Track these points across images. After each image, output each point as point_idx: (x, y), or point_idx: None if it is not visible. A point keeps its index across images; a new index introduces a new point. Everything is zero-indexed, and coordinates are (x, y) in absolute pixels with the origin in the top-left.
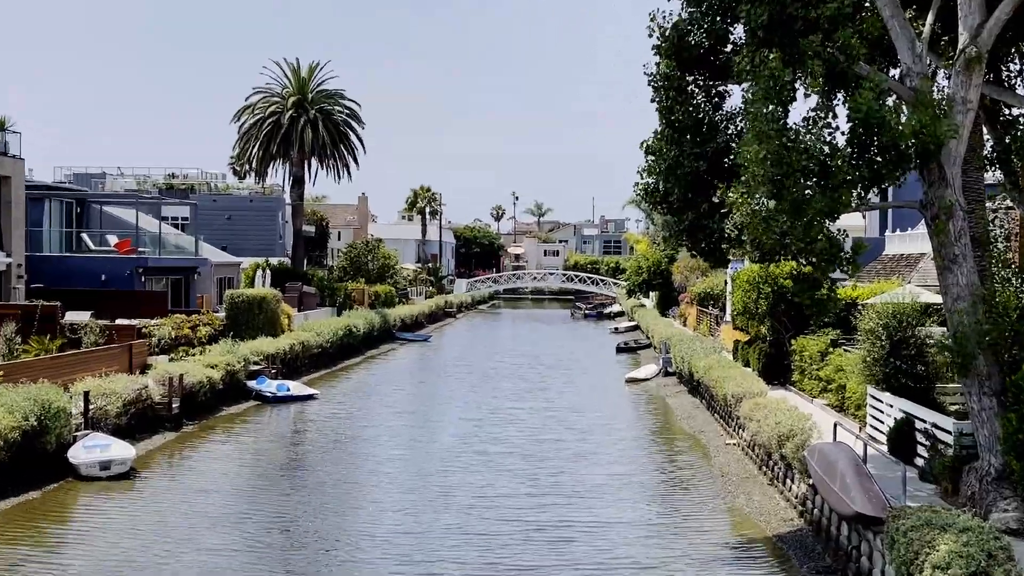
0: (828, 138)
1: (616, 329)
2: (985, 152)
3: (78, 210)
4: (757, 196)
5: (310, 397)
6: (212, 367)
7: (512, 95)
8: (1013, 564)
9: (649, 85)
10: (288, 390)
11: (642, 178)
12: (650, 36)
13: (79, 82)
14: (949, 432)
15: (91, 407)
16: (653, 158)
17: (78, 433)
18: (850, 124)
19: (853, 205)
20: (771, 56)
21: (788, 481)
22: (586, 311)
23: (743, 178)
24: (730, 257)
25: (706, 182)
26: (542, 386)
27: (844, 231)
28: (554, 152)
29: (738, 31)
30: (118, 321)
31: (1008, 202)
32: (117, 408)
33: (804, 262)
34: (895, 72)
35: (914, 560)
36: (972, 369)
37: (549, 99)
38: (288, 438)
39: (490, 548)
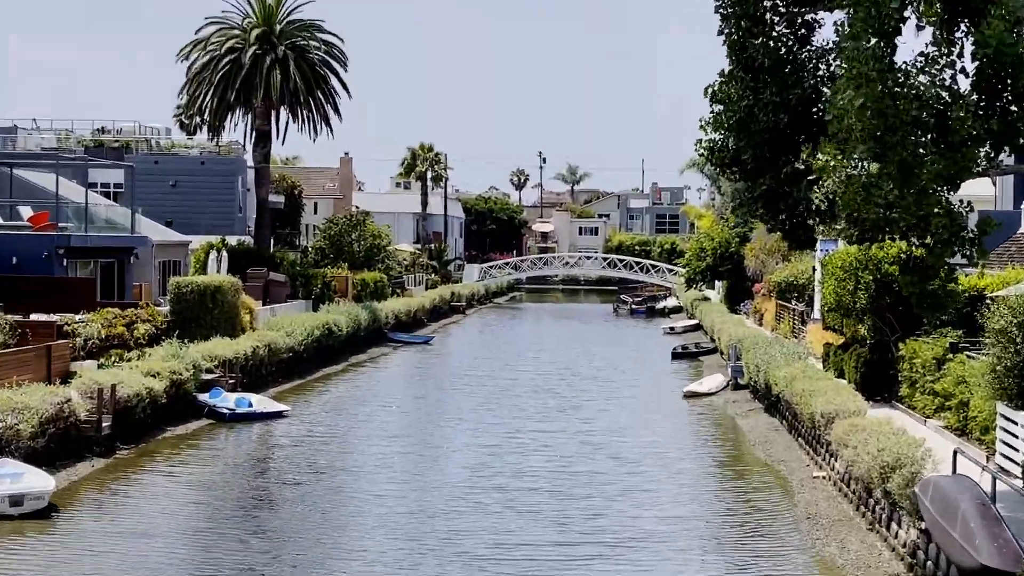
0: (947, 82)
1: (672, 329)
2: None
3: None
4: (855, 157)
5: (278, 415)
6: (153, 376)
7: (536, 27)
8: None
9: (716, 12)
10: (250, 405)
11: (706, 134)
12: None
13: None
14: None
15: None
16: (721, 108)
17: None
18: (976, 64)
19: (979, 169)
20: None
21: (894, 525)
22: (633, 306)
23: (836, 134)
24: (819, 236)
25: (788, 139)
26: (576, 403)
27: (968, 203)
28: (591, 101)
29: None
30: (33, 316)
31: None
32: (32, 428)
33: (915, 243)
34: None
35: None
36: None
37: (584, 31)
38: (249, 468)
39: None
